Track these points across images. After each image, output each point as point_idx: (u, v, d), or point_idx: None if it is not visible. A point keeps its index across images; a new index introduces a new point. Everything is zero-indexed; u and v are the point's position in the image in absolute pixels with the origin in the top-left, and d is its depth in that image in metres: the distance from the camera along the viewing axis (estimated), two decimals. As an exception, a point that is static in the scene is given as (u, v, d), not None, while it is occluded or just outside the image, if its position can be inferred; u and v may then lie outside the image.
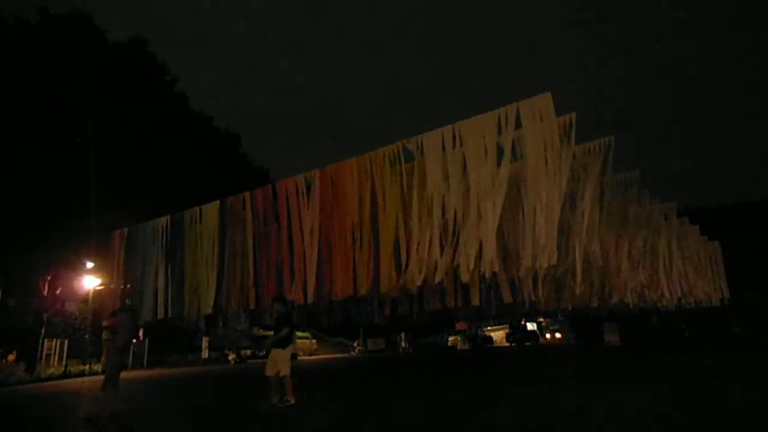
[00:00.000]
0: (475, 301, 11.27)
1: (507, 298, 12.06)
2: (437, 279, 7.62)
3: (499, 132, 7.37)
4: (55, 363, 22.36)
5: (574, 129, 7.05)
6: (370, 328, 40.21)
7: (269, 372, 7.23)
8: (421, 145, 8.12)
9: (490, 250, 6.92)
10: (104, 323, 7.47)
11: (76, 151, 24.15)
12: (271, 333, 7.91)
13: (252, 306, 10.94)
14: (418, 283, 7.84)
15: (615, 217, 11.28)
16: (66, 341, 23.53)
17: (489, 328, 45.36)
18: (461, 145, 7.69)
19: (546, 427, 5.63)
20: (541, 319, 44.20)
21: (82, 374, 21.33)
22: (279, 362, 7.20)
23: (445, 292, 12.89)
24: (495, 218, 7.02)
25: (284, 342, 7.38)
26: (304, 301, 9.64)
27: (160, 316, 11.94)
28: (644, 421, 5.56)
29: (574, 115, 7.13)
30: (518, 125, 7.27)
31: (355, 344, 41.00)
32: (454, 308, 16.72)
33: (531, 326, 43.27)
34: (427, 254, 7.73)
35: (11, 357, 20.18)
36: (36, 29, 26.98)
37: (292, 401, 7.15)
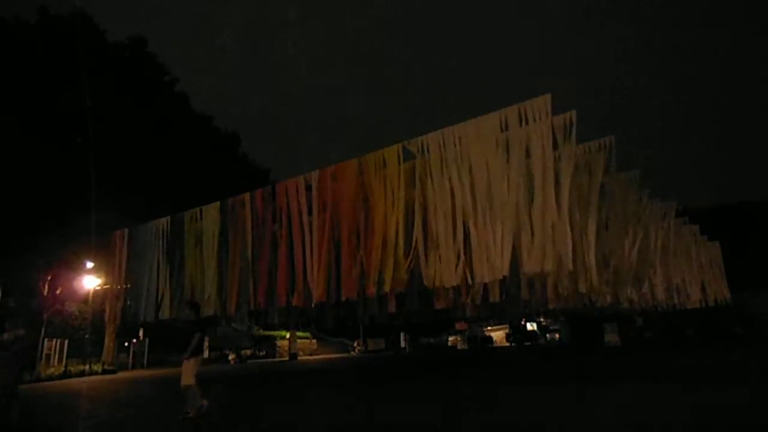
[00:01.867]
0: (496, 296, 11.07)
1: (495, 296, 11.97)
2: (448, 281, 7.56)
3: (501, 133, 7.35)
4: (55, 363, 22.35)
5: (574, 127, 7.00)
6: (370, 328, 40.22)
7: (184, 383, 6.88)
8: (423, 146, 8.11)
9: (500, 253, 6.90)
10: None
11: (76, 152, 24.14)
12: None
13: (252, 306, 10.93)
14: (428, 284, 7.78)
15: (615, 218, 11.26)
16: (66, 341, 23.54)
17: (489, 328, 45.34)
18: (463, 147, 7.67)
19: (542, 428, 5.63)
20: (541, 319, 44.19)
21: (82, 374, 21.33)
22: (184, 373, 6.88)
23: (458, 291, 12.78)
24: (504, 220, 6.99)
25: (194, 352, 7.00)
26: (304, 302, 9.64)
27: (161, 316, 11.94)
28: (644, 422, 5.57)
29: (574, 112, 7.07)
30: (520, 126, 7.25)
31: (356, 344, 41.01)
32: (456, 308, 16.69)
33: (531, 326, 43.27)
34: (433, 254, 7.71)
35: None
36: (36, 29, 26.96)
37: (192, 414, 6.70)
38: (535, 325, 43.67)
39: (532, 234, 6.83)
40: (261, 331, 39.18)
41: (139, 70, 31.18)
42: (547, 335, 43.02)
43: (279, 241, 10.14)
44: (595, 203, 8.67)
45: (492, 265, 7.04)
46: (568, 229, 6.66)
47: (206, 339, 33.07)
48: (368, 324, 33.83)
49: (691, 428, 5.25)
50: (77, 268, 22.87)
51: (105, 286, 20.79)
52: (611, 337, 27.90)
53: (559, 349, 29.11)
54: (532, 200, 6.95)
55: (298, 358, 34.98)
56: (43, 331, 21.67)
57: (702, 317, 29.85)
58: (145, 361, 28.78)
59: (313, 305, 9.85)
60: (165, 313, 11.84)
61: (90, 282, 22.31)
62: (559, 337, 40.98)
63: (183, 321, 7.36)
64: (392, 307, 14.05)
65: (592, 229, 8.02)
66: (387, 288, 8.29)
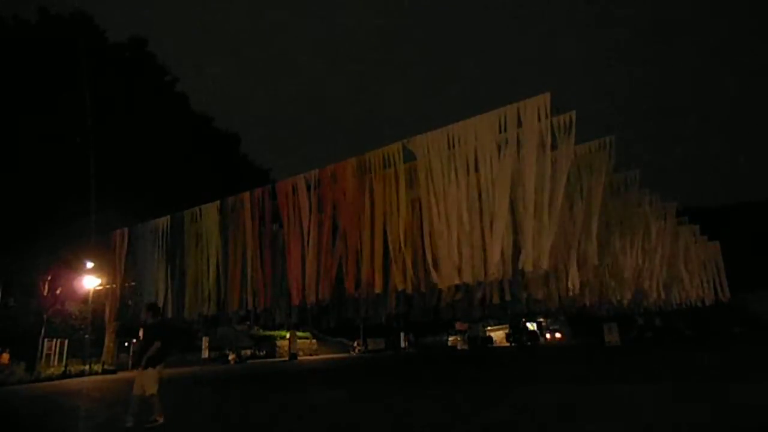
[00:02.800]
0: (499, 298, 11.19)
1: (496, 299, 12.04)
2: (449, 280, 7.56)
3: (500, 132, 7.36)
4: (55, 363, 22.35)
5: (573, 127, 7.02)
6: (370, 328, 40.20)
7: (136, 391, 6.48)
8: (422, 145, 8.12)
9: (500, 252, 6.90)
10: None
11: (75, 152, 24.13)
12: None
13: (252, 306, 10.93)
14: (436, 282, 7.77)
15: (615, 217, 11.27)
16: (66, 341, 23.54)
17: (489, 328, 45.33)
18: (463, 145, 7.68)
19: (541, 428, 5.63)
20: (541, 319, 44.19)
21: (82, 374, 21.32)
22: (146, 381, 6.47)
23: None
24: (501, 218, 7.00)
25: (155, 359, 6.59)
26: (305, 301, 9.64)
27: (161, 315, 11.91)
28: (643, 422, 5.56)
29: (573, 113, 7.09)
30: (519, 125, 7.26)
31: (355, 344, 40.99)
32: (456, 308, 16.69)
33: (531, 326, 43.25)
34: (434, 253, 7.71)
35: (5, 356, 20.13)
36: (36, 29, 26.96)
37: (161, 420, 6.36)
38: (535, 325, 43.65)
39: (532, 233, 6.83)
40: (261, 331, 39.16)
41: (139, 70, 31.18)
42: (547, 335, 43.03)
43: (279, 240, 10.14)
44: (598, 203, 8.68)
45: (492, 265, 7.05)
46: (554, 227, 6.67)
47: (206, 339, 33.14)
48: (368, 324, 33.88)
49: (692, 428, 5.25)
50: (77, 268, 22.85)
51: (105, 286, 20.80)
52: (611, 337, 27.88)
53: (558, 349, 29.10)
54: (533, 199, 6.95)
55: (298, 358, 34.98)
56: (43, 331, 21.66)
57: (702, 317, 29.84)
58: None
59: (313, 304, 9.85)
60: (166, 313, 11.83)
61: (90, 282, 22.29)
62: (560, 337, 41.01)
63: (146, 324, 6.99)
64: (392, 308, 14.06)
65: (594, 228, 8.03)
66: (393, 287, 8.28)
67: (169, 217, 12.33)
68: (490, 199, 7.26)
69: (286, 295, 10.27)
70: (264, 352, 36.87)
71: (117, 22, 35.76)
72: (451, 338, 41.95)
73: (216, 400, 9.92)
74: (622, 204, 11.56)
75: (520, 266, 7.01)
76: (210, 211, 11.52)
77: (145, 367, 6.52)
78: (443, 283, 7.72)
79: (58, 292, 23.70)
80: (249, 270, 10.53)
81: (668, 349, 20.12)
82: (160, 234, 12.33)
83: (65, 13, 28.47)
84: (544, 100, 6.99)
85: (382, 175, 8.57)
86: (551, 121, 6.99)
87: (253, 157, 42.79)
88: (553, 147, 7.19)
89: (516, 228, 7.12)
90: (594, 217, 8.45)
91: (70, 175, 23.04)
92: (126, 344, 29.24)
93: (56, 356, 22.89)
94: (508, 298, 12.58)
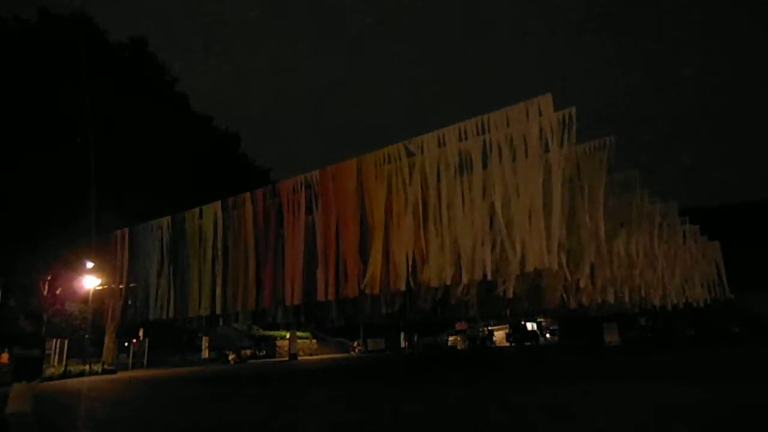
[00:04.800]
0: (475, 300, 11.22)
1: (471, 298, 12.00)
2: (447, 279, 7.56)
3: (502, 132, 7.37)
4: (55, 363, 22.35)
5: (574, 124, 7.00)
6: (369, 328, 40.20)
7: (11, 409, 5.37)
8: (423, 145, 8.12)
9: (498, 251, 6.92)
10: None
11: (75, 152, 24.11)
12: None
13: (252, 306, 10.93)
14: (437, 281, 7.76)
15: (614, 217, 11.27)
16: (66, 341, 23.55)
17: (489, 328, 45.36)
18: (464, 146, 7.69)
19: (540, 428, 5.63)
20: (541, 319, 44.26)
21: (82, 374, 21.32)
22: (21, 397, 5.42)
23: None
24: (503, 218, 7.00)
25: (31, 372, 5.56)
26: (303, 300, 9.65)
27: (161, 316, 11.94)
28: (643, 420, 5.57)
29: (573, 109, 7.05)
30: (519, 126, 7.26)
31: (355, 344, 41.02)
32: (457, 307, 16.70)
33: (531, 326, 43.31)
34: (432, 254, 7.71)
35: (5, 356, 20.11)
36: (36, 29, 26.95)
37: None
38: (534, 325, 43.72)
39: (534, 233, 6.84)
40: (261, 331, 39.16)
41: (140, 70, 31.19)
42: (547, 335, 43.10)
43: (280, 240, 10.15)
44: (599, 204, 8.68)
45: (493, 264, 7.06)
46: (556, 226, 6.67)
47: (206, 339, 33.10)
48: (368, 324, 33.89)
49: (692, 427, 5.26)
50: (77, 268, 22.85)
51: (105, 286, 20.80)
52: (611, 337, 27.91)
53: (558, 349, 29.11)
54: (535, 199, 6.95)
55: (299, 358, 35.00)
56: (43, 331, 21.66)
57: (702, 317, 29.87)
58: (145, 361, 28.77)
59: (313, 304, 9.86)
60: (165, 313, 11.85)
61: (90, 282, 22.30)
62: (559, 338, 41.08)
63: (25, 335, 5.79)
64: (393, 307, 14.07)
65: (595, 229, 8.03)
66: (393, 286, 8.28)
67: (169, 217, 12.34)
68: (492, 198, 7.27)
69: (286, 295, 10.28)
70: (264, 352, 36.87)
71: (117, 22, 35.72)
72: (451, 338, 42.00)
73: (215, 400, 9.90)
74: (623, 204, 11.56)
75: (520, 266, 7.02)
76: (211, 211, 11.53)
77: (20, 381, 5.49)
78: (446, 282, 7.72)
79: (58, 292, 23.70)
80: (250, 270, 10.54)
81: (669, 349, 20.12)
82: (161, 234, 12.35)
83: (65, 13, 28.48)
84: (546, 101, 6.99)
85: (383, 175, 8.57)
86: (552, 122, 6.98)
87: (253, 157, 42.72)
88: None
89: (516, 228, 7.12)
90: (595, 217, 8.46)
91: (70, 176, 23.03)
92: (126, 344, 29.23)
93: (56, 356, 22.88)
94: (509, 295, 12.58)
